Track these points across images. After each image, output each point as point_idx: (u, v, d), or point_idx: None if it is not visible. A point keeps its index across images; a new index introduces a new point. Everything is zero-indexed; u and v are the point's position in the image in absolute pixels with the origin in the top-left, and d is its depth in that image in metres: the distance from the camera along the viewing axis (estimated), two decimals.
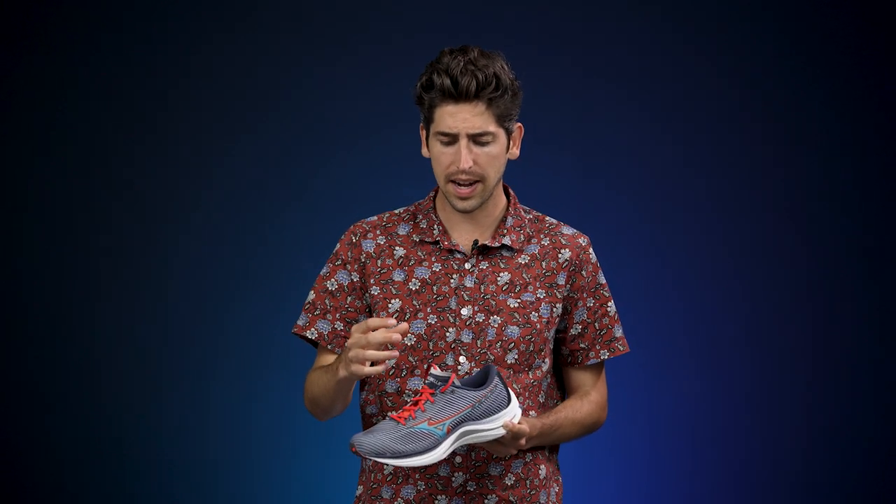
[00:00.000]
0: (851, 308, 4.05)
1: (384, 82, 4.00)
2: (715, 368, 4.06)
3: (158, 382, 4.01)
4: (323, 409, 2.37)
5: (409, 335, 2.35)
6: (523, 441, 2.26)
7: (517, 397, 2.34)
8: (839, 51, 4.07)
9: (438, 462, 2.30)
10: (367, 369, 2.15)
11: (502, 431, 2.21)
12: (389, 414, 2.25)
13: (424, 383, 2.19)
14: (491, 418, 2.20)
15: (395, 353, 2.14)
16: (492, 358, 2.34)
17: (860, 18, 4.05)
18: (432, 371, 2.19)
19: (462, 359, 2.33)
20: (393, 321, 2.15)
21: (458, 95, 2.26)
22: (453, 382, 2.17)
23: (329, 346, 2.39)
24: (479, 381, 2.23)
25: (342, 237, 2.44)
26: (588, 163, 4.07)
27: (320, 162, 4.05)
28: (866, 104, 4.06)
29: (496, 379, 2.20)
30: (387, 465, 2.16)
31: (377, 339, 2.13)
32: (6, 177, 3.98)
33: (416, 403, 2.17)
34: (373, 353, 2.14)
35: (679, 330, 4.06)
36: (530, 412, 2.36)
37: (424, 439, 2.16)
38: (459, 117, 2.28)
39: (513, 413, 2.22)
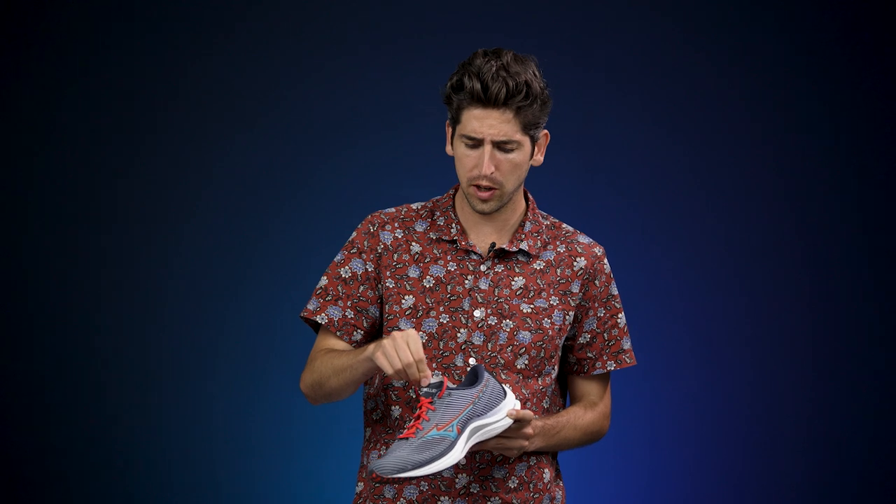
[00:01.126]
0: (851, 308, 4.05)
1: (385, 82, 4.01)
2: (715, 369, 4.07)
3: (158, 382, 4.01)
4: (326, 392, 2.34)
5: (420, 333, 2.34)
6: (530, 430, 2.26)
7: (526, 402, 2.35)
8: (840, 51, 4.07)
9: None
10: (391, 373, 2.18)
11: (509, 421, 2.21)
12: (397, 435, 2.26)
13: (420, 394, 2.18)
14: (494, 410, 2.20)
15: (417, 377, 2.18)
16: (502, 362, 2.33)
17: (861, 18, 4.06)
18: (428, 383, 2.18)
19: (472, 360, 2.33)
20: (426, 379, 2.18)
21: (487, 101, 2.25)
22: (448, 386, 2.17)
23: (338, 333, 2.37)
24: (470, 382, 2.23)
25: (359, 226, 2.42)
26: (589, 163, 4.07)
27: (320, 162, 4.04)
28: (868, 104, 4.06)
29: (486, 374, 2.20)
30: (412, 477, 2.16)
31: (411, 373, 2.17)
32: (6, 177, 3.98)
33: (417, 418, 2.18)
34: (401, 372, 2.17)
35: (679, 331, 4.06)
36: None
37: (439, 444, 2.16)
38: (486, 123, 2.26)
39: (512, 403, 2.23)
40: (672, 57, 4.07)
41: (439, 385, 2.17)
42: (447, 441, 2.16)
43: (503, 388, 2.23)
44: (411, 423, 2.18)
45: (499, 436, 2.24)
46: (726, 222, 4.08)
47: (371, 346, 2.22)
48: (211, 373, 4.01)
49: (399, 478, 2.15)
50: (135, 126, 4.01)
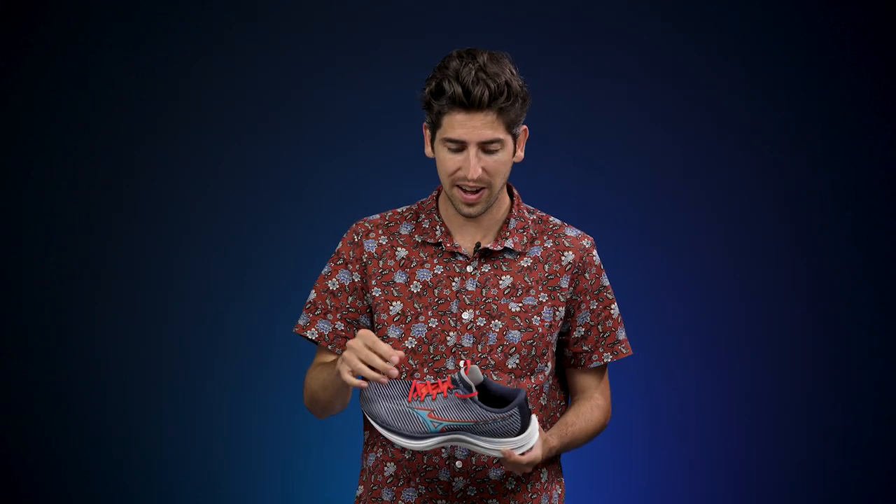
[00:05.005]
0: (851, 308, 4.05)
1: (384, 82, 4.00)
2: (715, 368, 4.06)
3: (158, 382, 4.01)
4: (321, 406, 2.36)
5: (409, 338, 2.33)
6: (529, 468, 2.23)
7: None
8: (839, 50, 4.06)
9: (438, 465, 2.31)
10: (353, 380, 2.14)
11: (499, 454, 2.19)
12: (413, 380, 2.24)
13: (452, 377, 2.15)
14: (492, 440, 2.17)
15: (384, 378, 2.13)
16: (493, 363, 2.32)
17: (860, 18, 4.05)
18: (463, 374, 2.14)
19: (462, 363, 2.32)
20: (397, 357, 2.12)
21: (470, 105, 2.22)
22: (473, 399, 2.14)
23: (329, 347, 2.37)
24: (503, 395, 2.19)
25: (344, 236, 2.41)
26: (588, 163, 4.07)
27: (320, 162, 4.04)
28: (866, 104, 4.06)
29: (514, 410, 2.15)
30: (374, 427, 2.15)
31: (375, 363, 2.12)
32: (6, 177, 3.98)
33: (436, 386, 2.15)
34: (363, 369, 2.13)
35: (679, 330, 4.06)
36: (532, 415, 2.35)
37: (417, 426, 2.15)
38: (469, 125, 2.24)
39: (520, 444, 2.18)
40: (671, 57, 4.07)
41: (470, 389, 2.13)
42: (424, 429, 2.15)
43: (523, 428, 2.17)
44: (422, 385, 2.15)
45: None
46: (725, 222, 4.08)
47: (339, 365, 2.19)
48: (211, 374, 4.01)
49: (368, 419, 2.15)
50: (135, 127, 4.02)
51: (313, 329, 2.37)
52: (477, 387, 2.18)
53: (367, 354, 2.12)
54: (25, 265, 3.99)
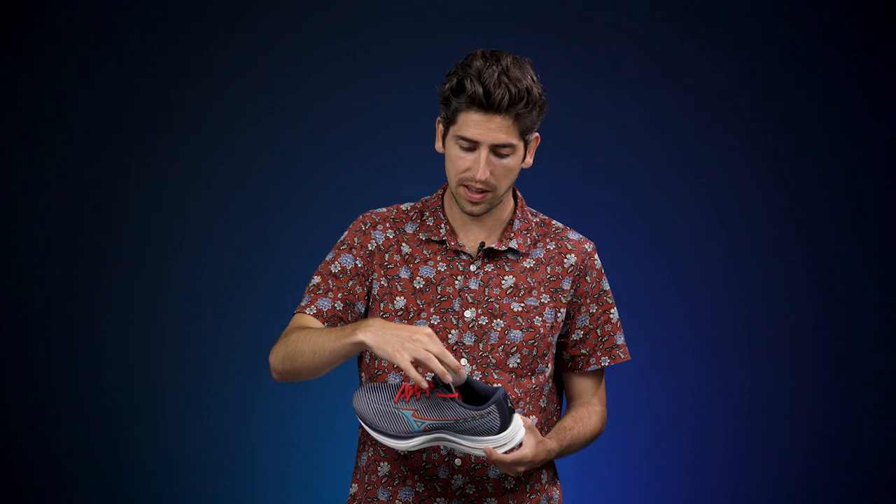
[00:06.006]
0: (852, 308, 4.05)
1: (384, 83, 4.01)
2: (714, 367, 4.06)
3: (158, 382, 4.01)
4: (299, 367, 2.27)
5: None
6: (521, 468, 2.24)
7: (519, 402, 2.33)
8: (839, 51, 4.06)
9: (437, 462, 2.31)
10: (414, 371, 2.10)
11: (481, 453, 2.19)
12: (403, 381, 2.25)
13: (434, 377, 2.14)
14: (473, 438, 2.18)
15: (449, 377, 2.11)
16: (493, 361, 2.33)
17: (861, 18, 4.05)
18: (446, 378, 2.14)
19: (463, 361, 2.33)
20: (464, 372, 2.13)
21: (489, 107, 2.23)
22: (453, 398, 2.15)
23: (326, 324, 2.34)
24: (483, 394, 2.20)
25: (350, 225, 2.41)
26: (588, 163, 4.07)
27: (320, 162, 4.04)
28: (866, 104, 4.06)
29: (492, 407, 2.16)
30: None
31: (448, 360, 2.10)
32: (6, 177, 3.98)
33: (418, 389, 2.15)
34: (430, 358, 2.10)
35: (679, 331, 4.05)
36: (531, 417, 2.36)
37: (402, 425, 2.16)
38: (485, 127, 2.25)
39: (502, 442, 2.18)
40: (671, 57, 4.07)
41: (449, 389, 2.14)
42: (408, 429, 2.16)
43: (503, 425, 2.17)
44: (409, 387, 2.15)
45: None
46: (725, 221, 4.08)
47: (360, 333, 2.15)
48: (209, 373, 4.01)
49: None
50: (135, 126, 4.02)
51: (312, 307, 2.35)
52: (461, 387, 2.19)
53: (440, 350, 2.10)
54: (25, 265, 3.99)
